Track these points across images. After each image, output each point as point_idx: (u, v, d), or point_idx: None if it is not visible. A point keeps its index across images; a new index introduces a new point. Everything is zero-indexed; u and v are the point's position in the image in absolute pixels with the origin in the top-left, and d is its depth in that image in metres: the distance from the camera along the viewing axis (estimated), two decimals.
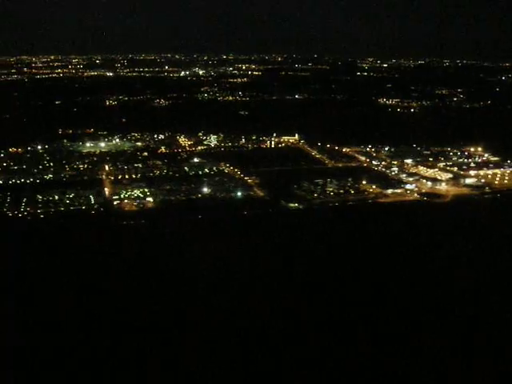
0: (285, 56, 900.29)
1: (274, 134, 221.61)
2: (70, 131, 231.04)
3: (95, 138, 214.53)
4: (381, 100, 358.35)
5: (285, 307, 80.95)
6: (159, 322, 76.80)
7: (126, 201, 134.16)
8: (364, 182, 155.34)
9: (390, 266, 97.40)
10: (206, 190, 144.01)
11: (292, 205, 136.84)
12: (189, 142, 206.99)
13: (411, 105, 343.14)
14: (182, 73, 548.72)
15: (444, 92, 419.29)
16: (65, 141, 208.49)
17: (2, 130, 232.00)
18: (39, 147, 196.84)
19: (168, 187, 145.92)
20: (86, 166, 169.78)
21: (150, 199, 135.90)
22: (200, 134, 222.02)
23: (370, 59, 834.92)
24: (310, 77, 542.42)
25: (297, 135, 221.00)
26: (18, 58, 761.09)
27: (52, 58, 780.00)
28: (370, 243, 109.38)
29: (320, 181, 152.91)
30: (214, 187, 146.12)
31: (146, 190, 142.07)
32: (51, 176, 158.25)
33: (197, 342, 71.31)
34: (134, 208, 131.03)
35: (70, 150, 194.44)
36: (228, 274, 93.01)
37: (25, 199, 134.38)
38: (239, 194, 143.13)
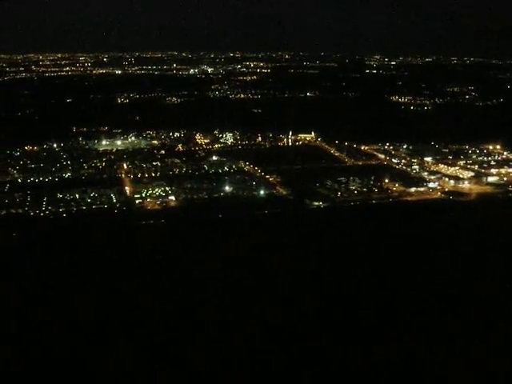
0: (291, 54, 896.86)
1: (290, 132, 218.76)
2: (85, 129, 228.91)
3: (110, 136, 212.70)
4: (393, 98, 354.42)
5: (318, 310, 78.68)
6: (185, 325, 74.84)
7: (148, 199, 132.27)
8: (386, 180, 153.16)
9: (429, 267, 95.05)
10: (227, 188, 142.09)
11: (316, 203, 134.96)
12: (205, 140, 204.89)
13: (424, 102, 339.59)
14: (191, 70, 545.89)
15: (455, 90, 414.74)
16: (80, 139, 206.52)
17: (16, 129, 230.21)
18: (55, 145, 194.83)
19: (189, 185, 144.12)
20: (103, 164, 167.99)
21: (172, 198, 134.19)
22: (215, 131, 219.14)
23: (377, 57, 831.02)
24: (319, 74, 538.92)
25: (313, 133, 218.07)
26: (25, 56, 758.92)
27: (59, 55, 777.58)
28: (401, 243, 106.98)
29: (343, 179, 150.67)
30: (235, 185, 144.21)
31: (166, 188, 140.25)
32: (70, 174, 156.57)
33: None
34: (156, 207, 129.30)
35: (86, 148, 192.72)
36: (257, 275, 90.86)
37: (45, 198, 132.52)
38: (262, 192, 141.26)
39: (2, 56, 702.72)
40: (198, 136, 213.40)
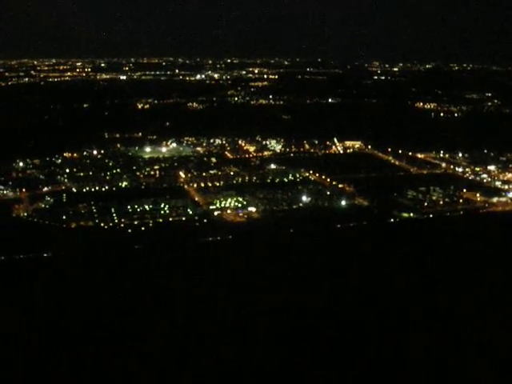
0: (289, 60, 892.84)
1: (335, 139, 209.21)
2: (117, 135, 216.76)
3: (147, 142, 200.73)
4: (417, 104, 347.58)
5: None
6: None
7: (227, 211, 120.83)
8: (464, 190, 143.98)
9: None
10: (305, 198, 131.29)
11: (405, 214, 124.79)
12: (251, 148, 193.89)
13: (450, 109, 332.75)
14: (198, 76, 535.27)
15: (474, 96, 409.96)
16: (118, 145, 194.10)
17: (44, 134, 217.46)
18: (95, 152, 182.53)
19: (261, 195, 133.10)
20: (157, 172, 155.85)
21: (251, 209, 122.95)
22: (257, 138, 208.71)
23: (376, 63, 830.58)
24: (328, 80, 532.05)
25: (359, 140, 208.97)
26: (19, 61, 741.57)
27: (53, 61, 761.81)
28: None
29: (423, 189, 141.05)
30: (312, 196, 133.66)
31: (239, 198, 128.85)
32: (127, 184, 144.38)
33: None
34: (239, 219, 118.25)
35: (130, 156, 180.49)
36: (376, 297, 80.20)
37: (112, 209, 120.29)
38: (343, 203, 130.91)
39: None
40: (241, 143, 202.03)
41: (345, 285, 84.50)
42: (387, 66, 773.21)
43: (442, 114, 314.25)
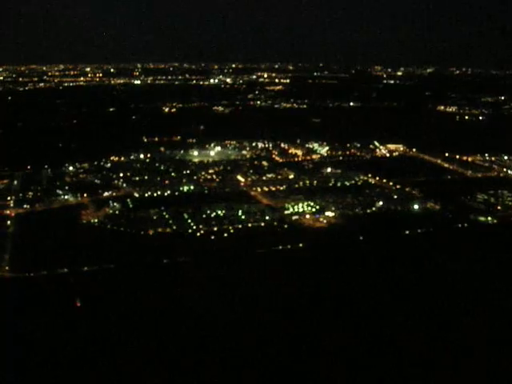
0: (292, 64, 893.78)
1: (376, 142, 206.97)
2: (156, 139, 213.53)
3: (190, 146, 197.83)
4: (439, 107, 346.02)
5: None
6: None
7: (306, 216, 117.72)
8: None
9: None
10: (378, 202, 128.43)
11: (482, 218, 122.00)
12: (298, 151, 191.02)
13: (472, 112, 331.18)
14: (211, 80, 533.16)
15: (489, 100, 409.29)
16: (162, 149, 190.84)
17: (80, 139, 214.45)
18: (141, 156, 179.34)
19: (331, 199, 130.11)
20: (214, 176, 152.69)
21: (328, 213, 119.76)
22: (297, 141, 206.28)
23: (379, 67, 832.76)
24: (340, 85, 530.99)
25: (400, 143, 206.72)
26: (28, 67, 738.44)
27: (62, 67, 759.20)
28: None
29: (491, 192, 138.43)
30: (382, 199, 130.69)
31: (310, 202, 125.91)
32: (188, 188, 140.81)
33: None
34: (319, 224, 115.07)
35: (178, 159, 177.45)
36: None
37: (186, 215, 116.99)
38: (416, 207, 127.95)
39: (5, 67, 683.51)
40: (284, 146, 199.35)
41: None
42: (390, 70, 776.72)
43: (466, 117, 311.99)
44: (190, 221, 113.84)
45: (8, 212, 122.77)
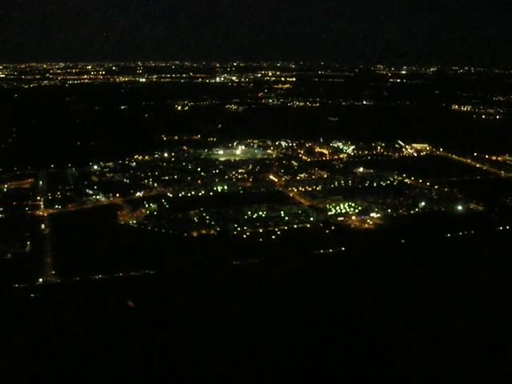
0: (293, 63, 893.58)
1: (400, 142, 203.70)
2: (176, 137, 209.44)
3: (210, 144, 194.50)
4: (454, 106, 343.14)
5: None
6: None
7: (352, 217, 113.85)
8: None
9: None
10: (420, 203, 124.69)
11: None
12: (324, 150, 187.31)
13: (488, 112, 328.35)
14: (217, 79, 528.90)
15: (501, 98, 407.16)
16: (184, 147, 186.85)
17: (97, 136, 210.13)
18: (166, 155, 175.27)
19: (371, 200, 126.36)
20: (245, 176, 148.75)
21: (373, 215, 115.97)
22: (320, 140, 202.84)
23: (381, 66, 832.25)
24: (347, 83, 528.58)
25: (423, 143, 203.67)
26: (28, 65, 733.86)
27: (62, 64, 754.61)
28: None
29: None
30: (423, 200, 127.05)
31: (350, 203, 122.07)
32: (222, 188, 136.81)
33: None
34: (367, 226, 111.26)
35: (204, 158, 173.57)
36: None
37: (227, 216, 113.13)
38: (459, 208, 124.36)
39: (5, 65, 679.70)
40: (309, 145, 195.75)
41: None
42: (393, 69, 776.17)
43: (483, 117, 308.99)
44: (232, 222, 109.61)
45: (40, 213, 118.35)
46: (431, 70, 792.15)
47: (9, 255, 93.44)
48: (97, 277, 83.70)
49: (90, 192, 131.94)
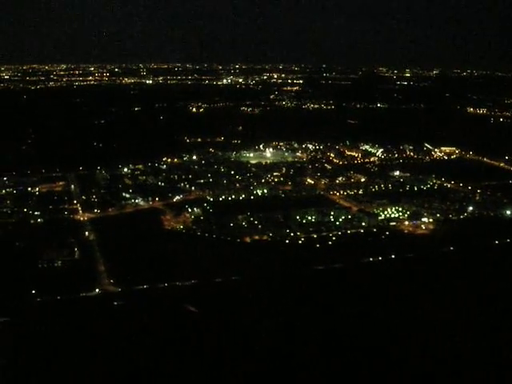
0: (295, 65, 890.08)
1: (427, 145, 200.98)
2: (199, 140, 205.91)
3: (240, 147, 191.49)
4: (469, 109, 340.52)
5: None
6: None
7: (404, 222, 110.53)
8: None
9: None
10: (468, 207, 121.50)
11: None
12: (354, 153, 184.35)
13: (505, 114, 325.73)
14: (224, 81, 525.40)
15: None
16: (211, 150, 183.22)
17: (118, 138, 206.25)
18: (194, 157, 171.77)
19: (417, 204, 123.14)
20: (282, 179, 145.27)
21: (425, 219, 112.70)
22: (346, 142, 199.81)
23: (383, 69, 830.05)
24: (354, 85, 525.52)
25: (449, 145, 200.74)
26: (30, 66, 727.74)
27: (64, 66, 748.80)
28: None
29: None
30: (471, 204, 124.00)
31: (398, 208, 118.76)
32: (262, 191, 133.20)
33: None
34: (421, 231, 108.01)
35: (234, 161, 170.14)
36: None
37: (277, 221, 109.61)
38: (508, 212, 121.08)
39: (7, 66, 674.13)
40: (338, 147, 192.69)
41: None
42: (395, 71, 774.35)
43: (501, 119, 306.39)
44: (283, 227, 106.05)
45: (79, 217, 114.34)
46: (434, 72, 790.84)
47: (59, 262, 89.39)
48: (161, 285, 79.83)
49: (127, 196, 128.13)
